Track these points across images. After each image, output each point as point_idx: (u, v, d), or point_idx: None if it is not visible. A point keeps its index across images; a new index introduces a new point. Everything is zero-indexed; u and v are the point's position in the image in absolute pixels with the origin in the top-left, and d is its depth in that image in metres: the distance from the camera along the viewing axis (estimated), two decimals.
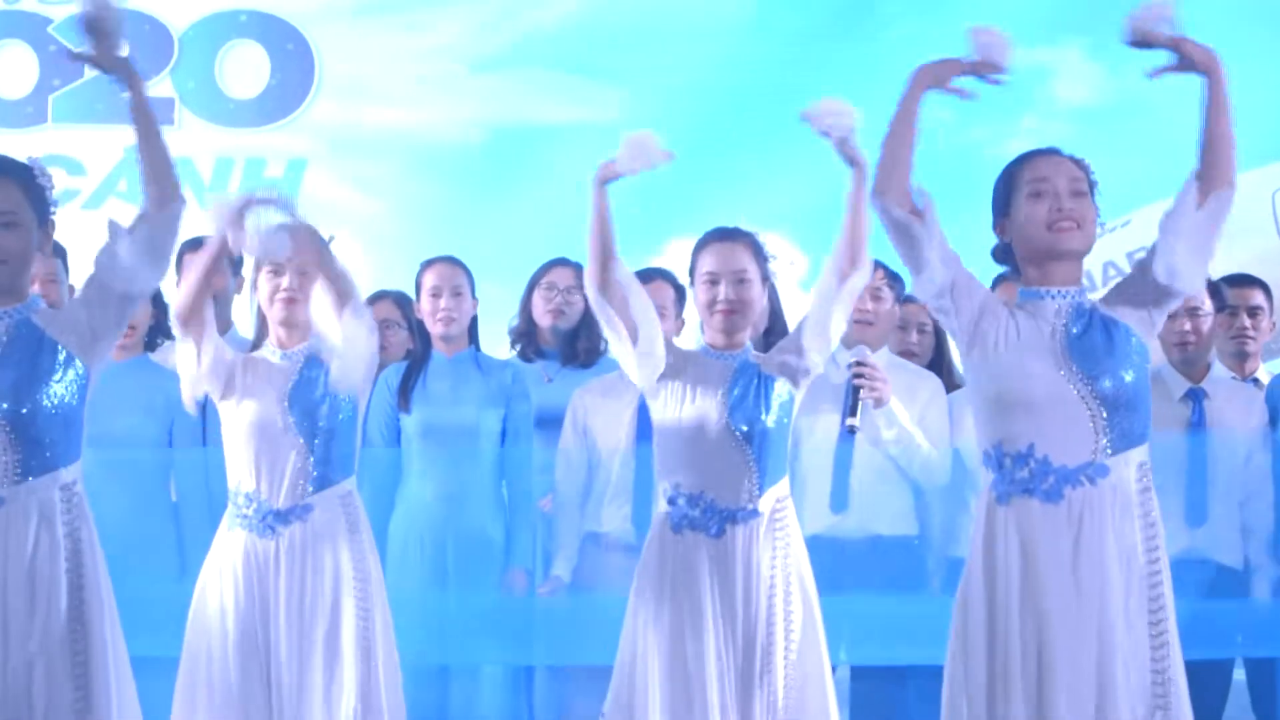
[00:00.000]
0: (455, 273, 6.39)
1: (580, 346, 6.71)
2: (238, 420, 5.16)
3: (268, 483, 5.09)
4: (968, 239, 8.32)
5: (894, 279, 6.34)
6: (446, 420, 6.28)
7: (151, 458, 6.26)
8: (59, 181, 8.22)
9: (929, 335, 6.89)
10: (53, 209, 4.47)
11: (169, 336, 6.51)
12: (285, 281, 5.16)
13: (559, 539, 6.29)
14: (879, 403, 6.07)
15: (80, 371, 4.46)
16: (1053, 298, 4.61)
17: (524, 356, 6.76)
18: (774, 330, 6.35)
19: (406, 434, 6.33)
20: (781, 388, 5.13)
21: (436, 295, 6.36)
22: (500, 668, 6.28)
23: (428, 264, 6.43)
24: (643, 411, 6.26)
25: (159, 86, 8.55)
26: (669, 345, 5.20)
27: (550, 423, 6.36)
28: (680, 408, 5.11)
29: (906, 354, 6.73)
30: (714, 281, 5.18)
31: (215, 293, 6.81)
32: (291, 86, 8.61)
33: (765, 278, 5.26)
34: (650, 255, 7.69)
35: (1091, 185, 4.66)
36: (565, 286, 6.74)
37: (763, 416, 5.07)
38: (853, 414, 6.01)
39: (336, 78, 8.61)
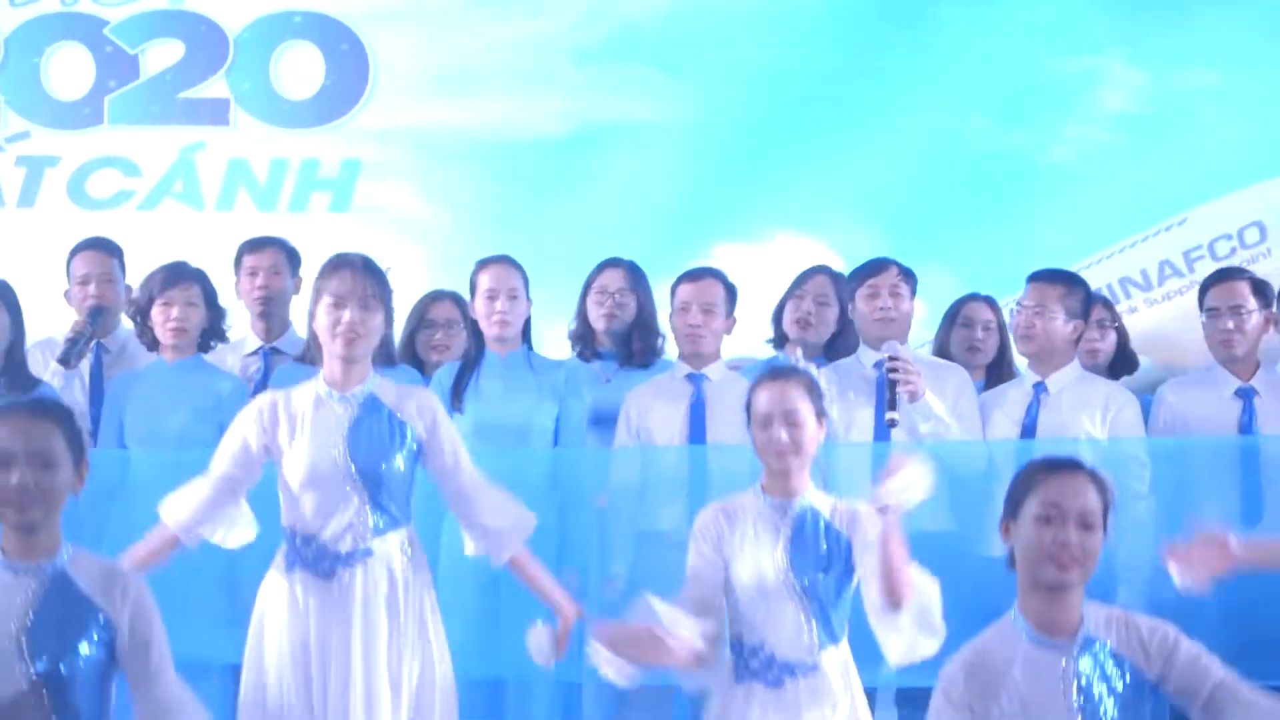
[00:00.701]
0: (510, 275, 6.41)
1: (635, 347, 6.76)
2: (294, 464, 5.10)
3: (326, 526, 5.07)
4: (1008, 247, 8.39)
5: (909, 276, 6.40)
6: (499, 419, 6.31)
7: (202, 458, 6.33)
8: (114, 183, 8.48)
9: (994, 333, 6.95)
10: (88, 451, 4.44)
11: (222, 339, 6.59)
12: (347, 315, 5.09)
13: (613, 538, 6.33)
14: (914, 396, 6.13)
15: (110, 636, 4.38)
16: (1057, 648, 4.34)
17: (583, 358, 6.81)
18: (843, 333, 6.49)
19: (460, 433, 6.28)
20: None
21: (492, 298, 6.39)
22: (551, 682, 6.24)
23: (482, 265, 6.46)
24: (695, 410, 6.32)
25: (214, 88, 8.61)
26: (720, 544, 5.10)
27: (608, 422, 6.43)
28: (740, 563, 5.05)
29: (972, 350, 6.82)
30: (767, 424, 5.05)
31: (273, 294, 6.93)
32: (346, 87, 8.65)
33: (821, 413, 5.12)
34: (699, 258, 7.72)
35: (1108, 509, 4.37)
36: (616, 289, 6.79)
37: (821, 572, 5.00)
38: (891, 408, 6.05)
39: (390, 78, 8.65)
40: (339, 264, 5.14)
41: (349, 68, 8.64)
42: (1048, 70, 8.62)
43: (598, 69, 8.69)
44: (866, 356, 6.41)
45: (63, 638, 4.28)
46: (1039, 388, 6.40)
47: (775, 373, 5.12)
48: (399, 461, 5.12)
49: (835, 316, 6.83)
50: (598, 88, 8.67)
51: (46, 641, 4.27)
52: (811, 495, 5.09)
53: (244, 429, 5.17)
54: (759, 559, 5.01)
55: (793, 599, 4.99)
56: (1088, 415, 6.31)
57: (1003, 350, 6.95)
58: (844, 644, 5.04)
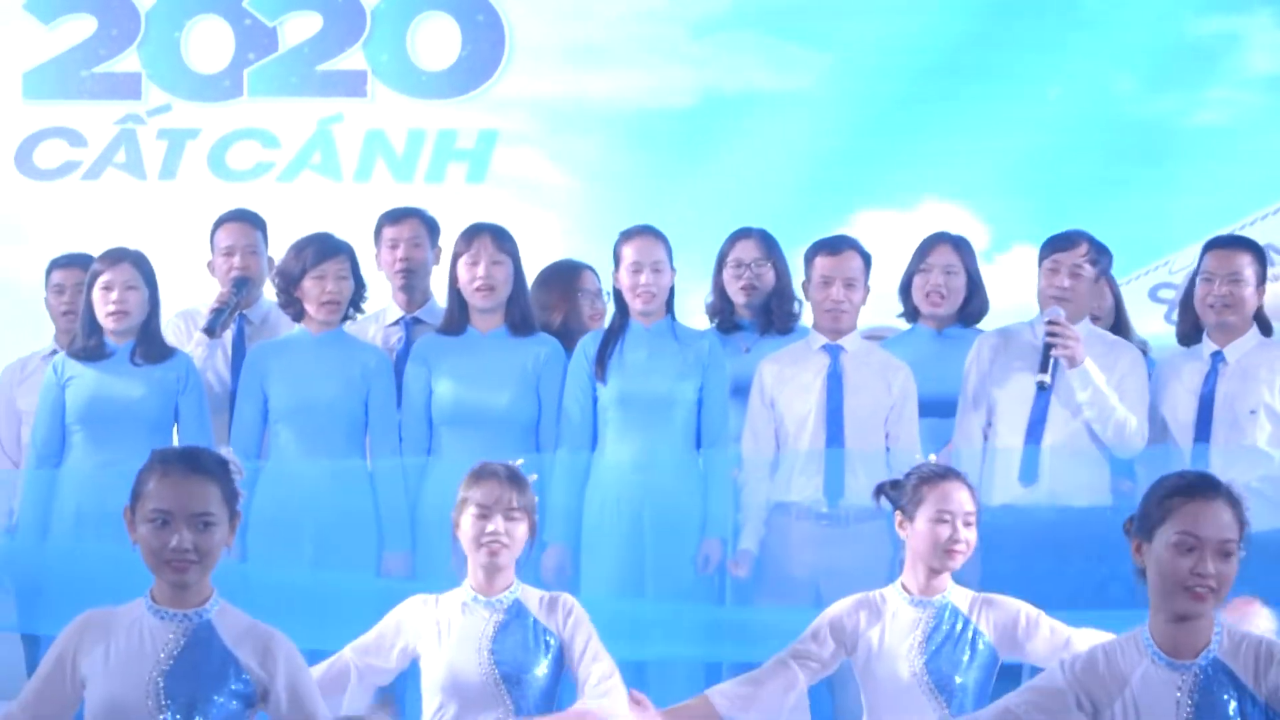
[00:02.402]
0: (654, 246, 6.48)
1: (774, 315, 6.82)
2: (435, 669, 5.21)
3: None
4: (1154, 210, 8.37)
5: (1100, 254, 6.38)
6: (643, 390, 6.41)
7: (348, 428, 6.45)
8: (254, 155, 8.61)
9: (1106, 298, 6.97)
10: (239, 504, 4.49)
11: (360, 310, 6.71)
12: (491, 526, 5.19)
13: (745, 511, 6.40)
14: (1071, 361, 6.19)
15: (249, 691, 4.44)
16: (1177, 669, 4.27)
17: (722, 329, 6.88)
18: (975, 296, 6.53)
19: (602, 403, 6.46)
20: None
21: (636, 270, 6.45)
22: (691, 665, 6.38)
23: (626, 236, 6.52)
24: (832, 380, 6.37)
25: (352, 60, 8.71)
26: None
27: (748, 392, 6.50)
28: None
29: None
30: (944, 520, 5.18)
31: (414, 265, 7.04)
32: (482, 58, 8.72)
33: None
34: (838, 225, 7.75)
35: (1244, 530, 4.24)
36: (751, 260, 6.85)
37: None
38: (1044, 370, 6.09)
39: (526, 49, 8.71)
40: (483, 474, 5.26)
41: (485, 39, 8.72)
42: (1193, 32, 8.56)
43: (730, 38, 8.72)
44: (1039, 328, 6.41)
45: (200, 687, 4.33)
46: (1217, 357, 6.40)
47: (942, 473, 5.25)
48: (541, 669, 5.21)
49: (964, 283, 6.85)
50: (730, 57, 8.72)
51: (184, 690, 4.33)
52: (954, 593, 5.25)
53: (395, 615, 5.29)
54: (895, 656, 5.15)
55: (928, 696, 5.14)
56: (1268, 384, 6.31)
57: (1118, 314, 6.95)
58: None
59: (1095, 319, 6.83)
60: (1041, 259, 6.46)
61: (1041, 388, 6.18)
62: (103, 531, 6.21)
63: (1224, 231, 7.27)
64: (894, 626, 5.21)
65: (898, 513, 5.31)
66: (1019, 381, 6.33)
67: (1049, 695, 4.33)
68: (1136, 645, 4.33)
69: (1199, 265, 6.43)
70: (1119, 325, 6.97)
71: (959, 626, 5.20)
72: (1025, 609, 5.22)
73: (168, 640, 4.37)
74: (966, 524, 5.18)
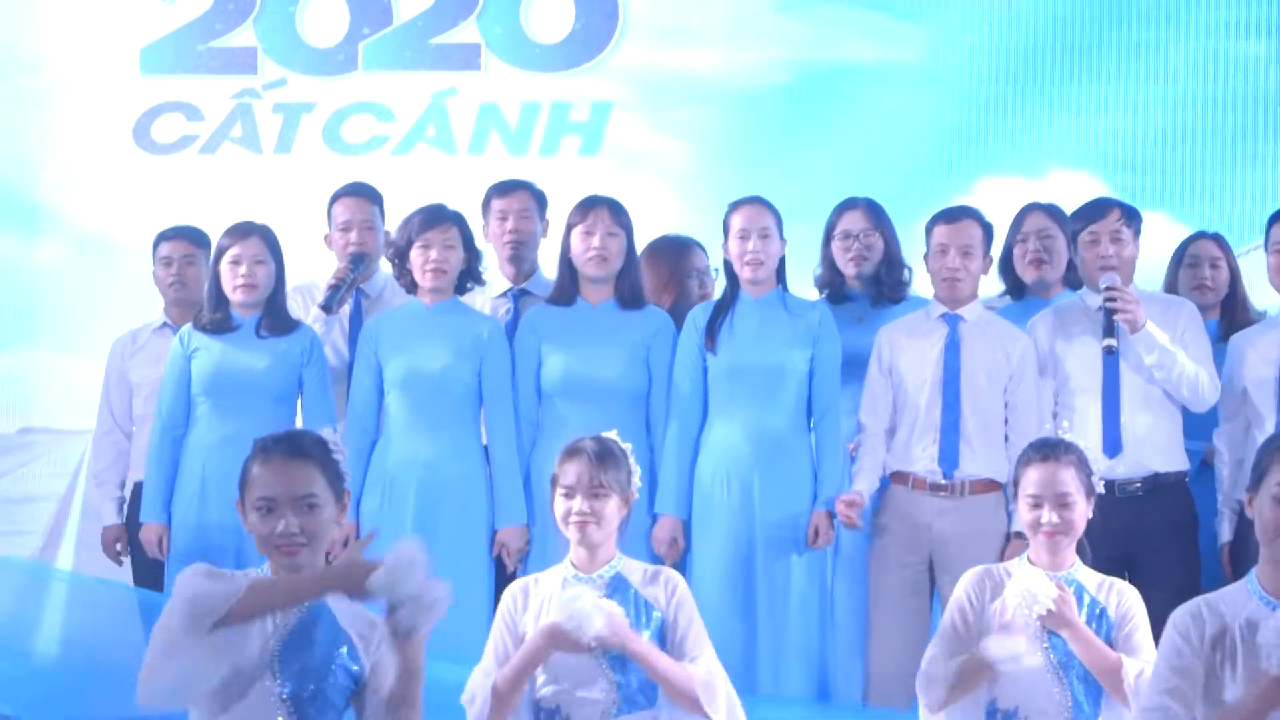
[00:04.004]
0: (762, 214, 6.50)
1: (884, 284, 6.87)
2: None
3: (573, 706, 5.21)
4: (1253, 160, 8.31)
5: (1131, 217, 6.42)
6: (752, 361, 6.44)
7: (460, 398, 6.53)
8: (369, 128, 8.72)
9: (1222, 270, 6.98)
10: (345, 482, 4.58)
11: (479, 281, 6.78)
12: (577, 505, 5.26)
13: (862, 461, 6.45)
14: (1133, 326, 6.23)
15: (358, 673, 4.54)
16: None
17: (832, 300, 6.91)
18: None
19: (713, 375, 6.50)
20: None
21: (744, 238, 6.48)
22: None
23: (735, 206, 6.56)
24: (950, 350, 6.41)
25: (465, 33, 8.79)
26: None
27: (859, 362, 6.53)
28: None
29: (1200, 289, 6.86)
30: (1037, 505, 5.26)
31: (523, 238, 7.11)
32: (596, 30, 8.77)
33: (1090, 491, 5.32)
34: (960, 194, 7.78)
35: None
36: (859, 230, 6.89)
37: None
38: (1109, 335, 6.14)
39: (640, 20, 8.75)
40: (570, 453, 5.33)
41: (598, 10, 8.77)
42: None
43: (844, 9, 8.73)
44: (1090, 298, 6.46)
45: (313, 659, 4.43)
46: None
47: (1045, 453, 5.29)
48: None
49: (1063, 246, 6.86)
50: (842, 28, 8.73)
51: (297, 659, 4.42)
52: (1080, 571, 5.29)
53: (501, 617, 5.35)
54: (1017, 629, 5.18)
55: (1051, 670, 5.19)
56: None
57: (1234, 287, 6.98)
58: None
59: (1209, 290, 6.88)
60: (1075, 233, 6.50)
61: (1109, 351, 6.22)
62: (226, 501, 6.38)
63: None
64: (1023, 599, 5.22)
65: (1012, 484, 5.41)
66: (1083, 350, 6.37)
67: (1186, 673, 4.51)
68: (1243, 591, 4.54)
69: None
70: (1234, 297, 7.00)
71: (1084, 604, 5.24)
72: (1139, 612, 5.25)
73: (283, 618, 4.45)
74: (1062, 504, 5.22)
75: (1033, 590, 5.12)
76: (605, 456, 5.30)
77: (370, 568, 4.33)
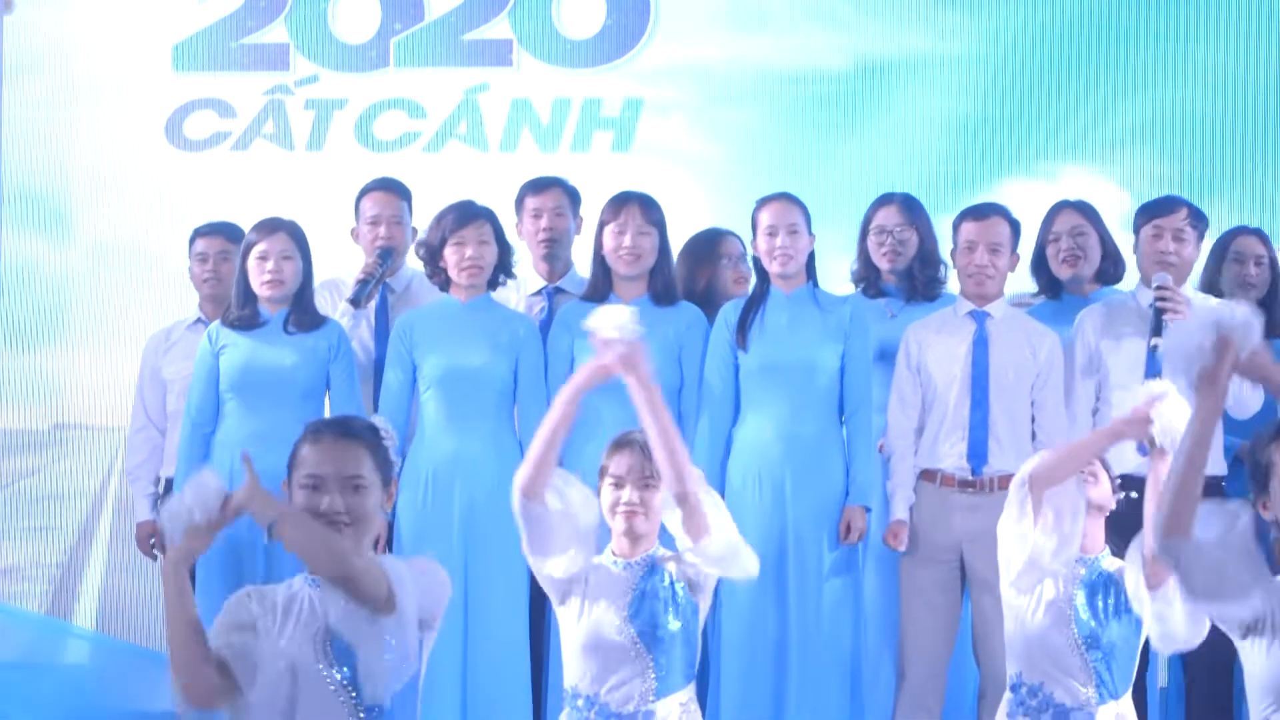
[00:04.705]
0: (790, 210, 6.55)
1: (918, 281, 6.89)
2: (577, 628, 5.27)
3: (608, 689, 5.21)
4: None
5: (1199, 219, 6.42)
6: (784, 356, 6.49)
7: (497, 396, 6.56)
8: (400, 125, 8.76)
9: (1265, 268, 6.96)
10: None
11: (510, 275, 6.81)
12: (626, 495, 5.25)
13: (895, 478, 6.47)
14: None
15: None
16: None
17: (867, 295, 6.95)
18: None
19: (744, 371, 6.54)
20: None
21: (772, 234, 6.53)
22: None
23: (763, 202, 6.61)
24: (978, 347, 6.43)
25: (497, 29, 8.81)
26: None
27: (892, 358, 6.58)
28: None
29: (1244, 285, 6.83)
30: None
31: (557, 235, 7.15)
32: (627, 27, 8.77)
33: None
34: (984, 193, 7.78)
35: None
36: (894, 226, 6.92)
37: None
38: (1157, 334, 6.13)
39: (671, 18, 8.76)
40: (620, 443, 5.31)
41: (630, 7, 8.77)
42: None
43: (876, 3, 8.74)
44: (1143, 295, 6.47)
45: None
46: None
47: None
48: (676, 624, 5.23)
49: (1096, 243, 6.89)
50: (876, 22, 8.72)
51: (348, 648, 4.40)
52: (1107, 560, 5.35)
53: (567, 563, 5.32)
54: (1050, 606, 5.25)
55: (1075, 648, 5.24)
56: None
57: (1275, 285, 6.96)
58: (1126, 700, 5.26)
59: (1252, 287, 6.86)
60: (1139, 226, 6.51)
61: (1156, 351, 6.22)
62: None
63: None
64: (1055, 579, 5.29)
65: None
66: (1129, 349, 6.37)
67: None
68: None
69: None
70: (1275, 294, 6.98)
71: (1112, 592, 5.28)
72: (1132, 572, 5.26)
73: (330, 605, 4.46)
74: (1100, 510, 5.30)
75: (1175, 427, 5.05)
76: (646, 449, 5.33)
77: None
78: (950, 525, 6.38)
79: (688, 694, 5.25)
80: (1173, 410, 5.11)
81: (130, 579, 8.13)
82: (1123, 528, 5.38)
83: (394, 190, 7.24)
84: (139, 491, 7.14)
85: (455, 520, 6.47)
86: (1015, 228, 6.54)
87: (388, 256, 7.03)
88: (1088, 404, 6.45)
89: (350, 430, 4.53)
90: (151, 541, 7.04)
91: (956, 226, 6.55)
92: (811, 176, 7.93)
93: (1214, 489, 6.34)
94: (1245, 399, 6.28)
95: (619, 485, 5.27)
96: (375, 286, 6.96)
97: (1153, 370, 6.33)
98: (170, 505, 4.29)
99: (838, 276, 7.05)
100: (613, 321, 5.00)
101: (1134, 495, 5.61)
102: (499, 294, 6.84)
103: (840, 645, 6.50)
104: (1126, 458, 5.84)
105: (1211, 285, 6.97)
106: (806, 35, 8.74)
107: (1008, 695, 5.31)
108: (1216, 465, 6.39)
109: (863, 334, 6.55)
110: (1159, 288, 6.30)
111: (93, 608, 8.60)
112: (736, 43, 8.74)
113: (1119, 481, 5.38)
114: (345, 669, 4.40)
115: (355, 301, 6.89)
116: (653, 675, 5.20)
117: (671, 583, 5.29)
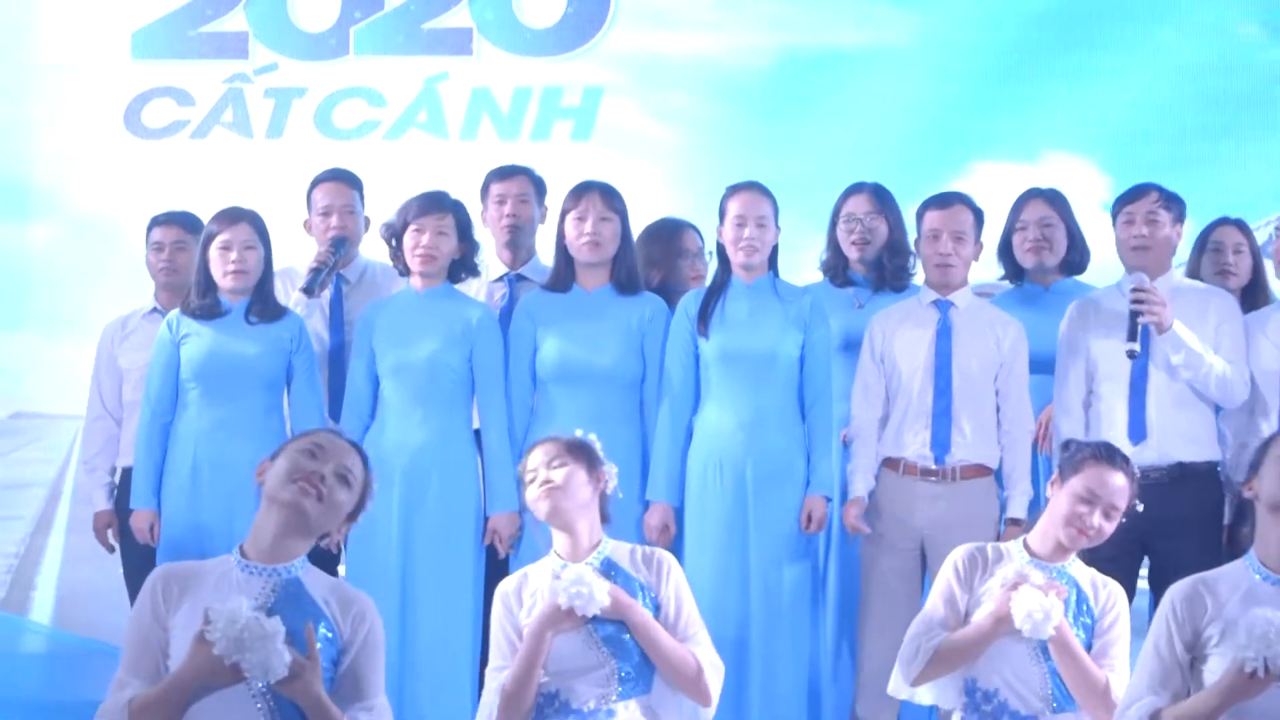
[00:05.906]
0: (759, 201, 6.52)
1: (887, 270, 6.90)
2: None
3: (570, 689, 5.21)
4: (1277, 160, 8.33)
5: (1171, 201, 6.44)
6: (744, 346, 6.47)
7: (451, 385, 6.55)
8: (360, 113, 8.74)
9: (1245, 256, 6.99)
10: (367, 504, 4.83)
11: (474, 273, 6.79)
12: (541, 480, 5.31)
13: (856, 460, 6.48)
14: (1159, 327, 6.23)
15: (335, 651, 4.61)
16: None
17: (836, 284, 6.96)
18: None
19: (704, 360, 6.52)
20: None
21: (740, 224, 6.51)
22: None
23: (732, 190, 6.57)
24: (941, 336, 6.44)
25: (457, 17, 8.80)
26: None
27: (859, 347, 6.56)
28: None
29: (1223, 274, 6.87)
30: (1087, 500, 5.33)
31: (521, 223, 7.14)
32: (587, 15, 8.78)
33: None
34: (953, 178, 7.81)
35: None
36: (863, 214, 6.92)
37: None
38: (1132, 338, 6.15)
39: (632, 5, 8.76)
40: (534, 445, 5.46)
41: None
42: None
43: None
44: (1127, 286, 6.48)
45: (290, 640, 4.42)
46: None
47: (1113, 458, 5.34)
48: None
49: (1063, 235, 6.92)
50: (844, 7, 8.73)
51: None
52: (1075, 566, 5.36)
53: (499, 620, 5.36)
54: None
55: (1034, 657, 5.24)
56: None
57: (1257, 273, 6.99)
58: (1082, 714, 5.25)
59: (1232, 275, 6.89)
60: (1115, 215, 6.53)
61: (1131, 356, 6.22)
62: (217, 486, 6.42)
63: None
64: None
65: (1056, 470, 5.44)
66: (1114, 346, 6.37)
67: (1168, 665, 4.77)
68: (1241, 568, 4.78)
69: None
70: (1257, 283, 7.01)
71: (1073, 599, 5.30)
72: (1122, 617, 5.33)
73: (257, 593, 4.53)
74: (1107, 514, 5.29)
75: (1043, 612, 5.13)
76: (570, 443, 5.38)
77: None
78: (912, 514, 6.38)
79: (648, 700, 5.26)
80: (1026, 601, 5.16)
81: (88, 568, 8.09)
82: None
83: (346, 180, 7.21)
84: (96, 481, 7.09)
85: (395, 510, 6.42)
86: (979, 216, 6.54)
87: (341, 245, 7.01)
88: (1079, 395, 6.46)
89: (358, 448, 4.79)
90: (109, 532, 7.01)
91: (920, 215, 6.55)
92: (769, 164, 7.89)
93: (1208, 474, 6.38)
94: (1233, 390, 6.34)
95: (534, 479, 5.33)
96: (329, 275, 6.94)
97: (1137, 372, 6.35)
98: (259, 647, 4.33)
99: (803, 265, 7.04)
100: (569, 591, 5.13)
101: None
102: (461, 286, 6.79)
103: (800, 635, 6.48)
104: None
105: (1194, 275, 6.99)
106: (766, 24, 8.75)
107: (962, 699, 5.31)
108: (1208, 452, 6.41)
109: (823, 324, 6.53)
110: (1135, 289, 6.28)
111: (50, 597, 8.58)
112: (697, 31, 8.75)
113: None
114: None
115: (308, 290, 6.86)
116: (616, 675, 5.22)
117: (628, 577, 5.31)
